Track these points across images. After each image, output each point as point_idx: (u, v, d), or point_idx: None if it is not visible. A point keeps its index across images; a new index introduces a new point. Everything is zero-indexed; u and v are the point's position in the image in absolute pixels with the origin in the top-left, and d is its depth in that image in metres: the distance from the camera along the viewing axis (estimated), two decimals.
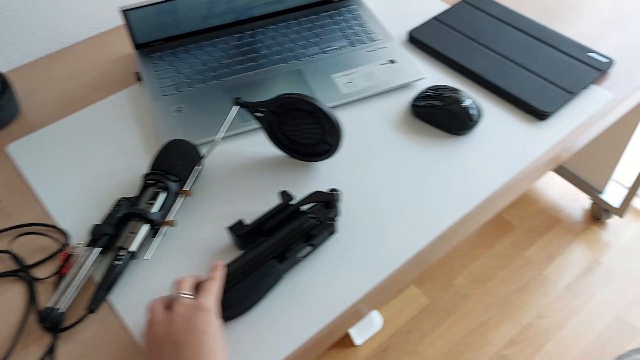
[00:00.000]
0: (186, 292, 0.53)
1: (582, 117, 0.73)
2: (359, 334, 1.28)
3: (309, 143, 0.68)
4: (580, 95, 0.76)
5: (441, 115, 0.72)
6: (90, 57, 0.86)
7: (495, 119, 0.74)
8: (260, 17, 0.87)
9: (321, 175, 0.69)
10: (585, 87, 0.75)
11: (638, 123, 1.26)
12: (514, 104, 0.75)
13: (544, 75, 0.77)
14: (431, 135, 0.72)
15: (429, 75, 0.80)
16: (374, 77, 0.78)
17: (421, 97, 0.74)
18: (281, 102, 0.64)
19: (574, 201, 1.58)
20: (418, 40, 0.84)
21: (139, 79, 0.80)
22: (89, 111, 0.77)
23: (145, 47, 0.83)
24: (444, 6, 0.90)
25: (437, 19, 0.87)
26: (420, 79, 0.78)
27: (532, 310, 1.36)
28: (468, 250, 1.48)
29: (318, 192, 0.61)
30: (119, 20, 0.91)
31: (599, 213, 1.51)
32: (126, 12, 0.77)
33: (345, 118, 0.75)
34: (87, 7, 0.87)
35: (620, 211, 1.46)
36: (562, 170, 1.54)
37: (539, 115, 0.73)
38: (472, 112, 0.71)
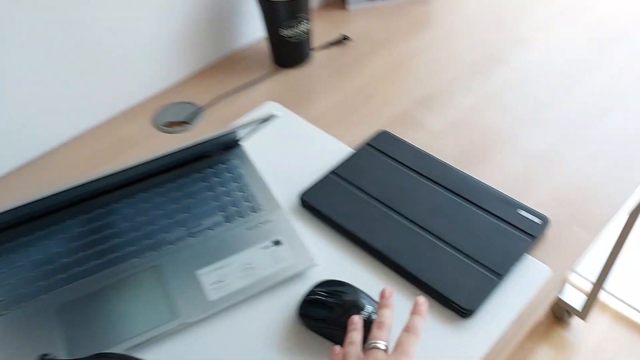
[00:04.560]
0: (383, 342, 0.47)
1: (514, 310, 0.57)
2: None
3: None
4: (511, 276, 0.60)
5: (334, 329, 0.55)
6: None
7: (404, 320, 0.57)
8: (117, 187, 0.70)
9: None
10: (515, 262, 0.60)
11: None
12: (428, 294, 0.59)
13: (465, 249, 0.61)
14: (326, 355, 0.55)
15: (325, 254, 0.63)
16: (251, 270, 0.60)
17: (310, 300, 0.57)
18: None
19: None
20: (310, 205, 0.67)
21: None
22: None
23: None
24: (350, 152, 0.75)
25: (335, 172, 0.71)
26: (312, 266, 0.61)
27: None
28: None
29: None
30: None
31: (560, 313, 1.36)
32: None
33: (209, 336, 0.56)
34: None
35: (583, 314, 1.31)
36: None
37: (460, 312, 0.57)
38: (369, 325, 0.54)
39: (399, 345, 0.47)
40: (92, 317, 0.57)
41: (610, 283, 1.41)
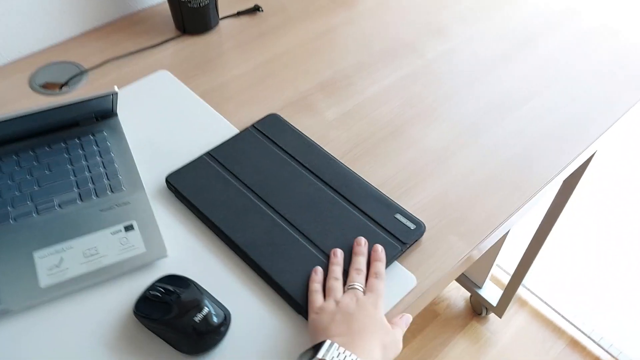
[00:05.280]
0: (360, 285, 0.54)
1: None
2: None
3: None
4: None
5: (170, 331, 0.51)
6: None
7: (252, 323, 0.52)
8: None
9: None
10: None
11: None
12: (284, 298, 0.55)
13: (329, 251, 0.57)
14: (162, 356, 0.51)
15: (182, 245, 0.58)
16: (94, 257, 0.55)
17: (146, 297, 0.52)
18: None
19: (454, 290, 1.42)
20: (176, 188, 0.62)
21: None
22: None
23: None
24: (234, 133, 0.69)
25: (210, 154, 0.65)
26: (163, 257, 0.57)
27: None
28: None
29: None
30: None
31: (478, 307, 1.35)
32: None
33: (36, 327, 0.52)
34: None
35: (498, 310, 1.31)
36: None
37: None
38: (203, 328, 0.49)
39: (371, 288, 0.54)
40: None
41: (530, 280, 1.41)
